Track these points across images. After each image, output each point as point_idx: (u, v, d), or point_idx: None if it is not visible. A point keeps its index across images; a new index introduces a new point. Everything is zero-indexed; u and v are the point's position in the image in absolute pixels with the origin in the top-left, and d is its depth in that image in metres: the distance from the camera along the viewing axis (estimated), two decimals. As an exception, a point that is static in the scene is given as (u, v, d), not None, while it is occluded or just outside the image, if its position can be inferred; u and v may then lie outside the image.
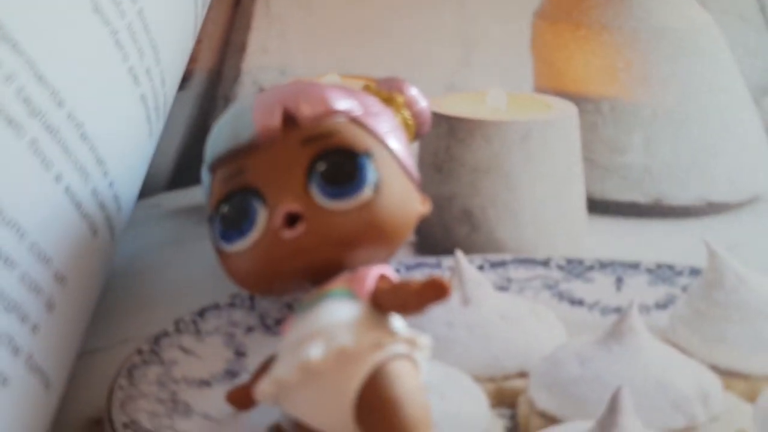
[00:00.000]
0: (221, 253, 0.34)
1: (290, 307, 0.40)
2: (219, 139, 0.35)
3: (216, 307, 0.40)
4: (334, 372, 0.30)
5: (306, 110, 0.34)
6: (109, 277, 0.40)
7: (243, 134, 0.34)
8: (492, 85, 0.51)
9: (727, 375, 0.39)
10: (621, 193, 0.48)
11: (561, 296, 0.42)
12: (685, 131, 0.50)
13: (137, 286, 0.42)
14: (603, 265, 0.43)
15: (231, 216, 0.34)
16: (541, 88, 0.53)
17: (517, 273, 0.43)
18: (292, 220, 0.33)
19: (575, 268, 0.43)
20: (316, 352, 0.30)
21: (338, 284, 0.33)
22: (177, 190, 0.47)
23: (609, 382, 0.36)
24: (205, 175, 0.36)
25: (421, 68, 0.54)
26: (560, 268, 0.43)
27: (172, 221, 0.46)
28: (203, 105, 0.51)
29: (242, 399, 0.36)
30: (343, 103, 0.35)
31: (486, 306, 0.40)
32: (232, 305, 0.40)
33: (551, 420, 0.37)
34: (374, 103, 0.36)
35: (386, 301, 0.32)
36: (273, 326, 0.40)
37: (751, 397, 0.38)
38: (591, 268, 0.43)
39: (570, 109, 0.50)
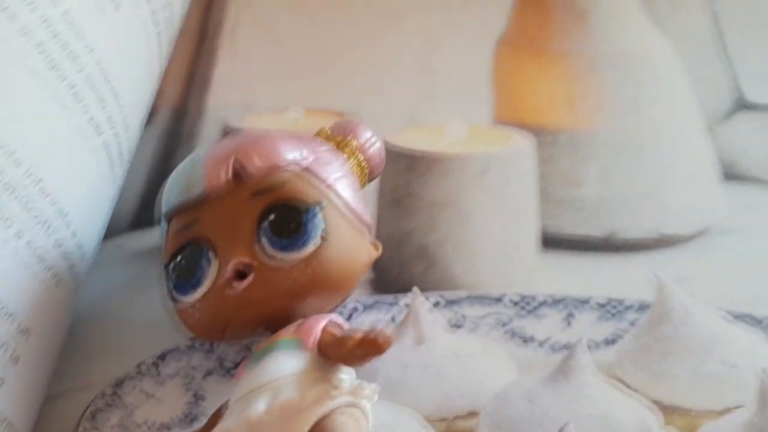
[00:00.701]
0: (176, 304, 0.36)
1: (248, 349, 0.41)
2: (173, 190, 0.37)
3: (176, 350, 0.41)
4: (278, 427, 0.31)
5: (256, 163, 0.35)
6: (73, 322, 0.41)
7: (195, 187, 0.36)
8: (453, 117, 0.52)
9: (669, 410, 0.40)
10: (575, 227, 0.49)
11: (513, 333, 0.43)
12: (639, 161, 0.51)
13: (100, 330, 0.43)
14: (555, 301, 0.44)
15: (183, 268, 0.35)
16: (501, 119, 0.54)
17: (472, 310, 0.44)
18: (242, 273, 0.34)
19: (528, 304, 0.44)
20: (259, 407, 0.31)
21: (287, 334, 0.34)
22: (140, 230, 0.48)
23: (556, 420, 0.37)
24: (162, 223, 0.38)
25: (384, 101, 0.54)
26: (514, 304, 0.44)
27: (134, 262, 0.47)
28: (168, 143, 0.52)
29: None
30: (292, 154, 0.36)
31: (439, 345, 0.41)
32: (191, 348, 0.41)
33: (498, 458, 0.38)
34: (325, 151, 0.37)
35: (330, 353, 0.33)
36: (231, 369, 0.41)
37: (690, 432, 0.39)
38: (543, 303, 0.44)
39: (528, 142, 0.51)
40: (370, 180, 0.40)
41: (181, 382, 0.40)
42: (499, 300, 0.45)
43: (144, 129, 0.51)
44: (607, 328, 0.44)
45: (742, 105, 0.55)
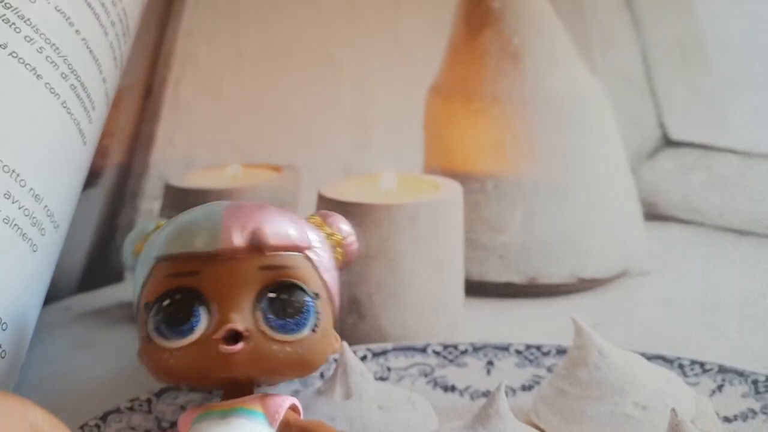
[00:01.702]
0: (151, 344, 0.37)
1: (183, 408, 0.43)
2: (182, 236, 0.37)
3: (117, 410, 0.43)
4: None
5: (271, 240, 0.37)
6: (16, 386, 0.43)
7: (208, 243, 0.37)
8: (385, 167, 0.54)
9: (582, 453, 0.43)
10: (498, 274, 0.51)
11: (435, 383, 0.45)
12: (563, 205, 0.53)
13: (44, 392, 0.44)
14: (476, 349, 0.46)
15: (173, 313, 0.36)
16: (430, 167, 0.56)
17: (397, 362, 0.46)
18: (234, 336, 0.36)
19: (450, 353, 0.46)
20: None
21: (253, 405, 0.36)
22: (88, 292, 0.50)
23: None
24: (144, 260, 0.38)
25: (320, 152, 0.57)
26: (436, 354, 0.46)
27: (81, 324, 0.49)
28: (112, 202, 0.54)
29: None
30: (302, 240, 0.38)
31: (366, 398, 0.43)
32: (131, 409, 0.43)
33: (419, 507, 0.40)
34: (320, 239, 0.40)
35: None
36: (168, 429, 0.43)
37: (603, 474, 0.41)
38: (465, 352, 0.46)
39: (456, 190, 0.53)
40: (340, 270, 0.42)
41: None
42: (423, 350, 0.47)
43: (90, 189, 0.53)
44: (525, 374, 0.46)
45: (666, 143, 0.58)
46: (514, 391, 0.45)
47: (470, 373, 0.46)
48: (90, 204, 0.53)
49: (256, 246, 0.37)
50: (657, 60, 0.61)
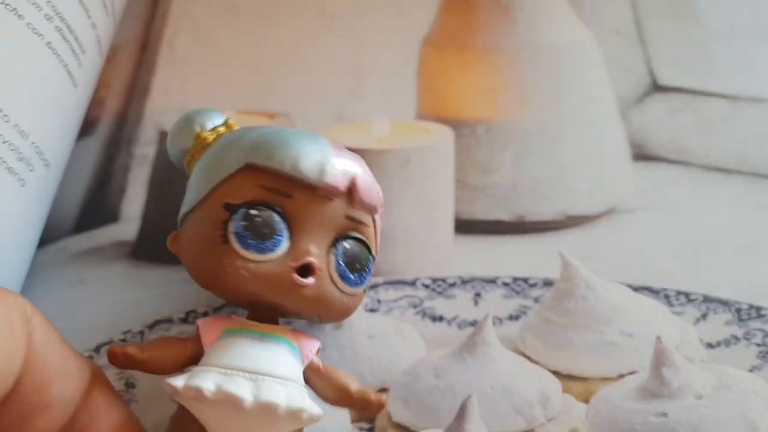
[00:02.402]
0: (227, 246, 0.36)
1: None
2: (286, 156, 0.37)
3: (110, 342, 0.44)
4: (252, 421, 0.34)
5: (365, 195, 0.37)
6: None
7: (316, 174, 0.36)
8: (378, 115, 0.55)
9: (567, 378, 0.44)
10: (487, 213, 0.52)
11: (424, 314, 0.47)
12: (553, 147, 0.54)
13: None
14: (464, 282, 0.48)
15: (260, 227, 0.36)
16: (423, 114, 0.57)
17: (387, 294, 0.47)
18: (305, 269, 0.36)
19: (439, 286, 0.47)
20: (245, 394, 0.34)
21: (289, 337, 0.37)
22: (83, 233, 0.51)
23: (460, 392, 0.40)
24: (228, 155, 0.37)
25: (314, 101, 0.57)
26: (426, 287, 0.47)
27: (76, 263, 0.50)
28: (109, 149, 0.55)
29: (124, 360, 0.37)
30: (381, 203, 0.39)
31: (355, 328, 0.44)
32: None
33: (406, 430, 0.41)
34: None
35: (328, 393, 0.37)
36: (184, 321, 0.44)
37: (586, 398, 0.42)
38: (453, 285, 0.47)
39: (447, 135, 0.54)
40: None
41: (114, 371, 0.43)
42: (412, 284, 0.48)
43: (87, 138, 0.54)
44: (512, 305, 0.47)
45: (655, 88, 0.58)
46: (500, 320, 0.46)
47: (458, 304, 0.47)
48: (87, 151, 0.54)
49: (353, 195, 0.37)
50: (646, 11, 0.61)
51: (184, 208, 0.38)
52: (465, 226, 0.51)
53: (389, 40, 0.60)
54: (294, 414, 0.34)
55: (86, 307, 0.46)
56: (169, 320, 0.45)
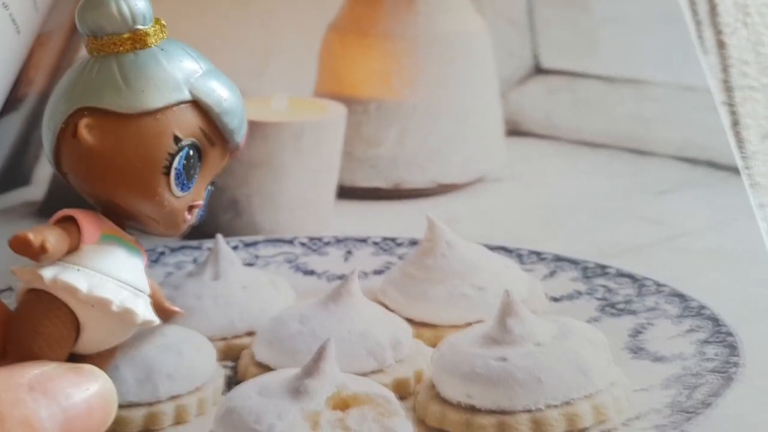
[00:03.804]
0: (161, 174, 0.38)
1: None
2: (230, 108, 0.40)
3: (8, 289, 0.49)
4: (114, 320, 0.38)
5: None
6: None
7: (237, 133, 0.40)
8: (278, 91, 0.60)
9: (420, 326, 0.48)
10: (367, 181, 0.56)
11: (297, 268, 0.51)
12: (434, 124, 0.59)
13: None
14: (338, 241, 0.52)
15: (190, 170, 0.39)
16: (320, 93, 0.61)
17: (266, 251, 0.52)
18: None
19: (315, 244, 0.52)
20: (116, 301, 0.38)
21: (139, 248, 0.40)
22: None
23: (321, 336, 0.44)
24: (182, 76, 0.39)
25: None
26: (302, 245, 0.52)
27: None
28: (31, 123, 0.60)
29: (31, 252, 0.37)
30: None
31: (232, 279, 0.48)
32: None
33: (267, 369, 0.45)
34: None
35: None
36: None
37: (435, 344, 0.46)
38: (328, 243, 0.52)
39: (340, 111, 0.59)
40: None
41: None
42: (290, 242, 0.52)
43: (12, 114, 0.59)
44: (378, 262, 0.51)
45: (537, 71, 0.63)
46: (366, 275, 0.50)
47: (329, 261, 0.51)
48: (11, 125, 0.59)
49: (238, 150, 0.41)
50: (541, 0, 0.66)
51: (108, 102, 0.38)
52: (346, 192, 0.56)
53: (298, 25, 0.65)
54: (146, 323, 0.39)
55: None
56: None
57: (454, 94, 0.60)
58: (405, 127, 0.59)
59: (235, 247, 0.51)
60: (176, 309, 0.45)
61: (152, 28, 0.39)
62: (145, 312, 0.39)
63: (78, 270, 0.38)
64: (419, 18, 0.63)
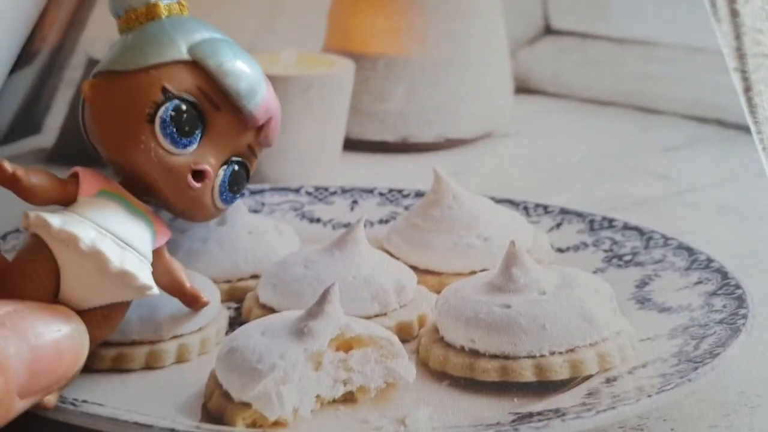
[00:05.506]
0: (145, 123, 0.39)
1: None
2: (233, 70, 0.40)
3: (17, 231, 0.49)
4: (109, 280, 0.38)
5: (272, 139, 0.42)
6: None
7: (246, 99, 0.40)
8: (286, 47, 0.60)
9: (424, 272, 0.48)
10: (375, 134, 0.57)
11: (303, 216, 0.51)
12: (443, 80, 0.59)
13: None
14: (344, 191, 0.52)
15: (184, 124, 0.39)
16: (329, 49, 0.61)
17: (272, 199, 0.52)
18: (200, 174, 0.40)
19: (321, 194, 0.52)
20: (115, 260, 0.38)
21: (151, 217, 0.41)
22: (8, 144, 0.56)
23: (325, 281, 0.44)
24: (181, 37, 0.40)
25: (229, 31, 0.62)
26: (308, 194, 0.52)
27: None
28: (43, 76, 0.60)
29: (9, 179, 0.38)
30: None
31: (238, 225, 0.49)
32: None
33: (270, 311, 0.45)
34: None
35: (161, 273, 0.42)
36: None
37: (439, 290, 0.46)
38: (334, 193, 0.52)
39: (349, 67, 0.59)
40: None
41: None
42: (296, 191, 0.52)
43: (26, 68, 0.59)
44: (384, 211, 0.51)
45: (547, 31, 0.63)
46: (372, 224, 0.50)
47: (335, 209, 0.51)
48: (24, 79, 0.60)
49: (263, 131, 0.41)
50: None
51: (112, 64, 0.40)
52: (353, 145, 0.56)
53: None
54: (141, 288, 0.39)
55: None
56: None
57: (463, 50, 0.60)
58: (413, 83, 0.59)
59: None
60: (203, 297, 0.43)
61: (166, 4, 0.41)
62: (127, 264, 0.38)
63: (79, 220, 0.38)
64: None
